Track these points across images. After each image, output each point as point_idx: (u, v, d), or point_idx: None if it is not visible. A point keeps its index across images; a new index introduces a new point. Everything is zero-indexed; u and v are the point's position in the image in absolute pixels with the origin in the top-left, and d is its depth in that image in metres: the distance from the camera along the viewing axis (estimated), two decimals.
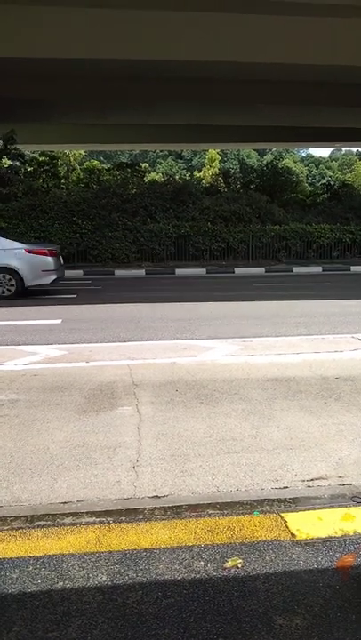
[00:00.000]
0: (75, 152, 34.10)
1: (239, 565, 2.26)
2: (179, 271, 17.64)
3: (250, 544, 2.40)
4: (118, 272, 17.47)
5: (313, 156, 66.36)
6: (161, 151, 54.70)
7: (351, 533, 2.48)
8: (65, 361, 5.61)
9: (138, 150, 48.80)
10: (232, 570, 2.23)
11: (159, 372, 5.08)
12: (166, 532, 2.49)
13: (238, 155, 51.46)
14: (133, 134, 24.52)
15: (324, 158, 66.77)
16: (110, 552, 2.35)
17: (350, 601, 2.05)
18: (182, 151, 54.86)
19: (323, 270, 18.45)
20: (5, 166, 21.04)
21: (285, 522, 2.57)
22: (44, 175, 23.19)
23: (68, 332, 7.61)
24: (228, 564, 2.27)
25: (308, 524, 2.55)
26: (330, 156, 67.38)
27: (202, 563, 2.27)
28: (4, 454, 3.31)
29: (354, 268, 18.54)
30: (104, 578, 2.19)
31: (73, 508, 2.71)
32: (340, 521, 2.58)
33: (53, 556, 2.32)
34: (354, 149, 52.95)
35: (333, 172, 56.38)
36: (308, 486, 2.94)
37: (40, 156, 25.56)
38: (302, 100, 17.64)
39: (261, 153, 53.62)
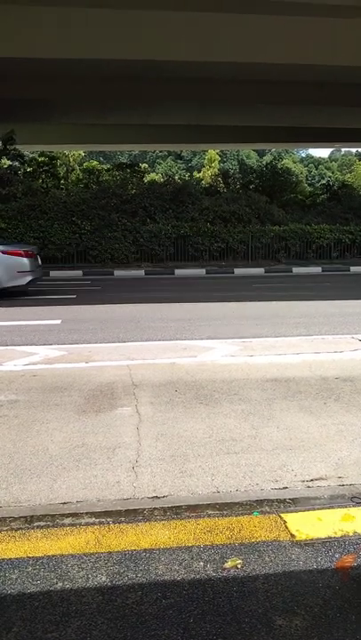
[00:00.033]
0: (74, 152, 34.13)
1: (239, 566, 2.25)
2: (178, 272, 17.64)
3: (249, 544, 2.39)
4: (118, 272, 17.47)
5: (312, 157, 66.44)
6: (160, 151, 54.72)
7: (351, 534, 2.48)
8: (64, 361, 5.60)
9: (137, 151, 48.82)
10: (232, 570, 2.23)
11: (159, 373, 5.08)
12: (166, 532, 2.49)
13: (238, 155, 51.53)
14: (133, 134, 24.54)
15: (323, 159, 66.86)
16: (110, 552, 2.34)
17: (350, 601, 2.05)
18: (182, 151, 54.90)
19: (322, 271, 18.46)
20: (5, 167, 21.04)
21: (285, 522, 2.57)
22: (43, 176, 23.20)
23: (67, 332, 7.60)
24: (228, 564, 2.26)
25: (307, 525, 2.55)
26: (329, 157, 67.46)
27: (201, 563, 2.27)
28: (4, 455, 3.30)
29: (353, 269, 18.55)
30: (103, 578, 2.19)
31: (72, 509, 2.70)
32: (340, 521, 2.58)
33: (53, 556, 2.32)
34: (353, 150, 53.04)
35: (333, 173, 56.44)
36: (308, 487, 2.94)
37: (39, 156, 25.57)
38: (302, 101, 17.65)
39: (261, 153, 53.65)
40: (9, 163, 21.20)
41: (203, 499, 2.80)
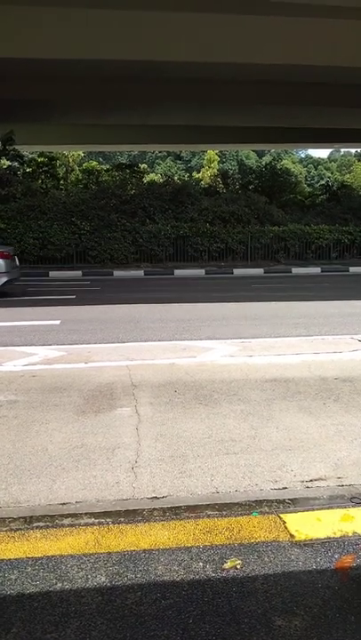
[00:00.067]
0: (73, 153, 34.12)
1: (238, 566, 2.25)
2: (177, 272, 17.65)
3: (249, 545, 2.39)
4: (117, 273, 17.48)
5: (312, 157, 66.47)
6: (160, 152, 54.73)
7: (350, 534, 2.48)
8: (64, 362, 5.60)
9: (137, 151, 48.84)
10: (231, 571, 2.23)
11: (158, 373, 5.08)
12: (165, 532, 2.49)
13: (237, 156, 51.56)
14: (132, 135, 24.54)
15: (322, 159, 66.89)
16: (109, 553, 2.34)
17: (349, 602, 2.05)
18: (181, 152, 54.91)
19: (321, 271, 18.48)
20: (4, 167, 21.04)
21: (284, 523, 2.57)
22: (42, 176, 23.20)
23: (66, 332, 7.60)
24: (227, 564, 2.26)
25: (307, 525, 2.55)
26: (329, 157, 67.48)
27: (201, 564, 2.27)
28: (3, 455, 3.30)
29: (353, 269, 18.57)
30: (103, 579, 2.19)
31: (72, 509, 2.70)
32: (340, 522, 2.58)
33: (52, 557, 2.32)
34: (353, 150, 53.07)
35: (332, 173, 56.47)
36: (307, 487, 2.94)
37: (39, 156, 25.58)
38: (302, 101, 17.67)
39: (260, 154, 53.66)
40: (8, 163, 21.20)
41: (202, 499, 2.80)
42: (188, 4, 11.59)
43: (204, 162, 46.44)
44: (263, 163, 37.06)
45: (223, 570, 2.23)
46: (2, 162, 21.60)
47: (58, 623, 1.95)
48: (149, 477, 3.03)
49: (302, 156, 64.99)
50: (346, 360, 5.63)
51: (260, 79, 15.15)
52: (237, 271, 17.97)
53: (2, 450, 3.38)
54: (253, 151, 53.05)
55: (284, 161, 41.22)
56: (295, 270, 18.48)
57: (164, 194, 20.55)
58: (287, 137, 25.22)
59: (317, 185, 38.10)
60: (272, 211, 21.65)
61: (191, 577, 2.19)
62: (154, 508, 2.70)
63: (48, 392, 4.52)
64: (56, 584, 2.16)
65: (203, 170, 43.24)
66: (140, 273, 17.71)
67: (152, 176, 35.69)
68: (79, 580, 2.17)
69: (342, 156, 64.03)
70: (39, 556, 2.33)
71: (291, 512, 2.67)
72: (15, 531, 2.51)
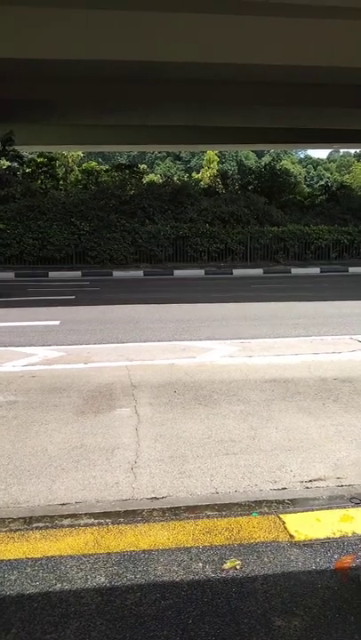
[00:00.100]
0: (73, 153, 34.07)
1: (238, 567, 2.25)
2: (177, 272, 17.65)
3: (248, 545, 2.39)
4: (116, 273, 17.48)
5: (311, 158, 66.47)
6: (159, 152, 54.74)
7: (350, 534, 2.48)
8: (63, 362, 5.60)
9: (136, 151, 48.83)
10: (230, 571, 2.23)
11: (158, 374, 5.08)
12: (165, 533, 2.49)
13: (236, 156, 51.54)
14: (132, 135, 24.52)
15: (322, 160, 66.91)
16: (109, 553, 2.34)
17: (349, 602, 2.05)
18: (180, 152, 54.89)
19: (321, 271, 18.48)
20: (4, 167, 21.03)
21: (284, 523, 2.57)
22: (42, 176, 23.19)
23: (66, 333, 7.60)
24: (227, 565, 2.26)
25: (306, 526, 2.55)
26: (328, 158, 67.49)
27: (200, 564, 2.27)
28: (2, 456, 3.30)
29: (352, 269, 18.58)
30: (102, 579, 2.19)
31: (71, 510, 2.70)
32: (339, 522, 2.58)
33: (52, 557, 2.32)
34: (352, 151, 53.10)
35: (331, 174, 56.49)
36: (307, 487, 2.94)
37: (38, 157, 25.56)
38: (301, 102, 17.66)
39: (260, 154, 53.68)
40: (8, 163, 21.17)
41: (202, 499, 2.80)
42: (187, 5, 11.59)
43: (204, 162, 46.40)
44: (263, 163, 37.08)
45: (223, 570, 2.23)
46: (1, 162, 21.58)
47: (57, 624, 1.95)
48: (149, 478, 3.03)
49: (301, 156, 65.03)
50: (345, 360, 5.64)
51: (259, 80, 15.14)
52: (237, 271, 17.98)
53: (1, 450, 3.38)
54: (253, 151, 53.04)
55: (283, 161, 41.21)
56: (294, 271, 18.48)
57: (163, 194, 20.55)
58: (287, 137, 25.20)
59: (317, 185, 38.09)
60: (271, 211, 21.65)
61: (191, 577, 2.19)
62: (153, 509, 2.70)
63: (47, 392, 4.52)
64: (55, 585, 2.16)
65: (202, 170, 43.20)
66: (140, 273, 17.71)
67: (151, 176, 35.67)
68: (79, 581, 2.17)
69: (341, 156, 64.05)
70: (39, 556, 2.33)
71: (290, 512, 2.67)
72: (15, 531, 2.51)
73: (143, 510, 2.69)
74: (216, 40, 12.22)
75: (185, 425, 3.77)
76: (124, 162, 38.66)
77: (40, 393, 4.51)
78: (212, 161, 44.17)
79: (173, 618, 1.97)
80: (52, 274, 16.87)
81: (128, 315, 9.24)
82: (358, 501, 2.77)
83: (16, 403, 4.27)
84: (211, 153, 43.93)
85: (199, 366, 5.41)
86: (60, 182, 25.07)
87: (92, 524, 2.57)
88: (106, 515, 2.65)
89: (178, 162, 59.04)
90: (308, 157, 66.19)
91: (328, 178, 48.45)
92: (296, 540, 2.44)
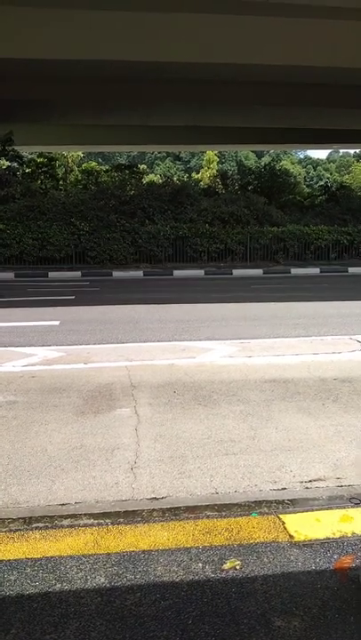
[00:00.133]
0: (73, 153, 34.07)
1: (237, 567, 2.25)
2: (177, 272, 17.65)
3: (248, 545, 2.39)
4: (116, 273, 17.47)
5: (311, 158, 66.48)
6: (159, 153, 54.73)
7: (349, 535, 2.48)
8: (63, 362, 5.60)
9: (136, 152, 48.85)
10: (230, 571, 2.23)
11: (157, 374, 5.08)
12: (164, 533, 2.49)
13: (236, 156, 51.56)
14: (132, 135, 24.54)
15: (321, 160, 66.92)
16: (108, 554, 2.34)
17: (349, 602, 2.05)
18: (180, 153, 54.91)
19: (321, 272, 18.48)
20: (3, 167, 21.03)
21: (284, 523, 2.57)
22: (42, 176, 23.17)
23: (65, 333, 7.60)
24: (227, 565, 2.26)
25: (306, 526, 2.55)
26: (327, 158, 67.50)
27: (200, 564, 2.27)
28: (2, 456, 3.30)
29: (351, 270, 18.58)
30: (102, 580, 2.19)
31: (71, 510, 2.70)
32: (339, 522, 2.58)
33: (51, 557, 2.32)
34: (351, 151, 53.11)
35: (331, 174, 56.49)
36: (307, 488, 2.94)
37: (38, 157, 25.55)
38: (302, 102, 17.67)
39: (259, 154, 53.69)
40: (7, 164, 21.18)
41: (201, 500, 2.80)
42: (188, 5, 11.60)
43: (204, 162, 46.40)
44: (262, 163, 37.11)
45: (222, 570, 2.23)
46: (1, 162, 21.58)
47: (57, 624, 1.95)
48: (149, 478, 3.03)
49: (301, 156, 65.03)
50: (345, 360, 5.64)
51: (259, 80, 15.15)
52: (237, 272, 17.97)
53: (1, 450, 3.38)
54: (253, 152, 53.04)
55: (283, 162, 41.29)
56: (294, 271, 18.48)
57: (163, 194, 20.55)
58: (287, 137, 25.22)
59: (316, 186, 38.11)
60: (271, 211, 21.65)
61: (190, 578, 2.19)
62: (153, 509, 2.70)
63: (47, 393, 4.52)
64: (55, 585, 2.16)
65: (202, 170, 43.21)
66: (140, 273, 17.71)
67: (151, 177, 35.69)
68: (78, 581, 2.17)
69: (341, 156, 64.06)
70: (38, 556, 2.33)
71: (290, 513, 2.67)
72: (14, 531, 2.51)
73: (143, 511, 2.69)
74: (216, 40, 12.22)
75: (185, 425, 3.77)
76: (123, 162, 38.66)
77: (40, 393, 4.51)
78: (212, 161, 44.17)
79: (173, 618, 1.97)
80: (51, 274, 16.87)
81: (128, 315, 9.23)
82: (358, 502, 2.77)
83: (16, 403, 4.27)
84: (210, 153, 43.93)
85: (199, 366, 5.41)
86: (60, 182, 25.07)
87: (92, 525, 2.57)
88: (106, 515, 2.65)
89: (178, 162, 59.05)
90: (307, 158, 66.21)
91: (328, 178, 48.45)
92: (296, 540, 2.44)
